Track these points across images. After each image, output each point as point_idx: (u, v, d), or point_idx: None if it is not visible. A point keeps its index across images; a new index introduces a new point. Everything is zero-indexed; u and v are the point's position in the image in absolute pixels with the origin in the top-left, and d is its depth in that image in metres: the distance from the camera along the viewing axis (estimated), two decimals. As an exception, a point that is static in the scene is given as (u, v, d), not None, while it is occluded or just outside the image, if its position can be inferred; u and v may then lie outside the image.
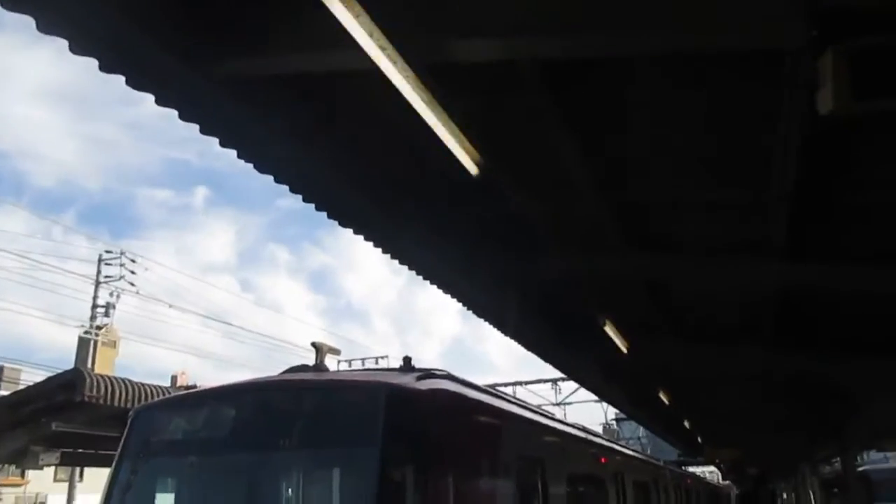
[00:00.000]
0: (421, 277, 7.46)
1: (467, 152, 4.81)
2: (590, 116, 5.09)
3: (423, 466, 5.58)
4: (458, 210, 6.35)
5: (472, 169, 4.96)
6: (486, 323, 9.49)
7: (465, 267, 7.47)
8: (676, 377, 14.20)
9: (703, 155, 5.63)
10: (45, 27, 3.80)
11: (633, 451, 22.84)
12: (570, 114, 5.00)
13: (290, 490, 6.44)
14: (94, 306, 32.01)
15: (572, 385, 31.90)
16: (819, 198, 5.77)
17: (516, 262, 7.68)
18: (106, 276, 32.51)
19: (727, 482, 69.78)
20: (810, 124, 4.23)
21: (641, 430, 42.67)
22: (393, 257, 6.91)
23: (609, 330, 9.73)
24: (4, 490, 25.92)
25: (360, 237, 6.37)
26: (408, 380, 6.31)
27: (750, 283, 8.10)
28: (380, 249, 6.75)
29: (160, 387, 13.95)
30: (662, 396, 16.18)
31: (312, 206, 5.64)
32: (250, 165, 5.01)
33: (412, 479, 5.52)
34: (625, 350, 10.59)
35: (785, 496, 42.06)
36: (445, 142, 4.59)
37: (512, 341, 10.27)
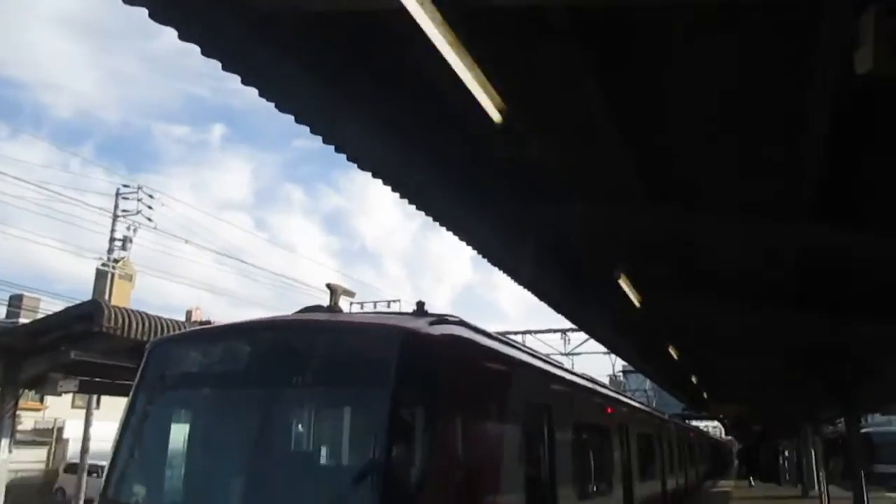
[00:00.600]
0: (437, 223, 7.43)
1: (491, 98, 4.73)
2: (619, 65, 4.98)
3: (433, 409, 5.67)
4: (478, 155, 6.28)
5: (495, 115, 4.88)
6: (499, 271, 9.50)
7: (480, 213, 7.43)
8: (688, 333, 14.23)
9: (734, 108, 5.51)
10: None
11: (638, 402, 23.14)
12: (599, 62, 4.89)
13: (302, 427, 6.59)
14: (112, 239, 32.34)
15: (581, 336, 32.25)
16: (849, 160, 5.65)
17: (533, 211, 7.63)
18: (123, 210, 32.75)
19: (729, 437, 70.73)
20: (845, 83, 4.12)
21: (648, 383, 43.16)
22: (410, 201, 6.88)
23: (623, 283, 9.71)
24: (24, 414, 26.70)
25: (378, 180, 6.34)
26: (421, 324, 6.37)
27: (772, 241, 8.02)
28: (397, 194, 6.71)
29: (175, 321, 14.18)
30: (672, 351, 16.26)
31: (332, 147, 5.60)
32: (269, 104, 4.96)
33: (422, 421, 5.62)
34: (637, 304, 10.59)
35: (787, 453, 42.55)
36: (469, 87, 4.51)
37: (523, 291, 10.30)
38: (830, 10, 3.75)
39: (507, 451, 7.00)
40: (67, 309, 14.50)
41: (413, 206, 7.06)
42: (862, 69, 3.45)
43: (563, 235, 8.39)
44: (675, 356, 16.74)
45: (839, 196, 6.33)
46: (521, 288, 10.15)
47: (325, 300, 7.62)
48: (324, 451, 6.66)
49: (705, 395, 28.16)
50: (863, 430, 22.31)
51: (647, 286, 10.12)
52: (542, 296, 10.90)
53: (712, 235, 8.19)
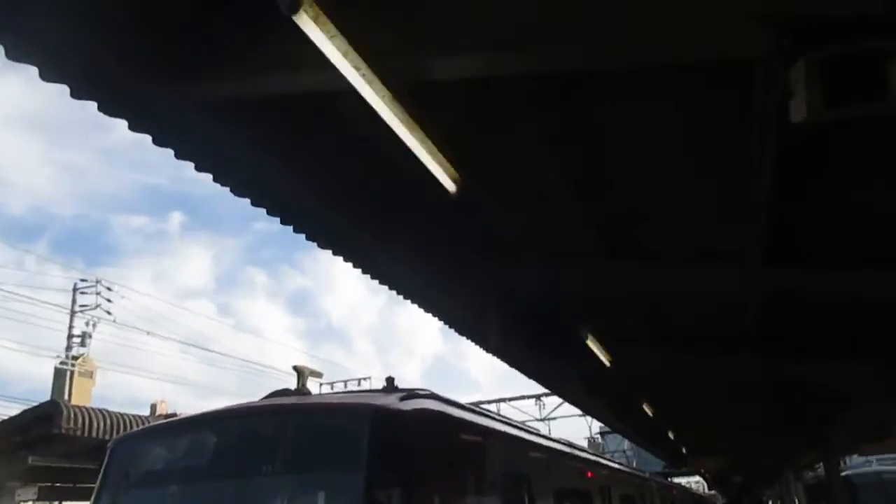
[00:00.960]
0: (401, 296, 7.43)
1: (445, 169, 4.82)
2: (568, 130, 5.13)
3: (409, 487, 5.52)
4: (436, 226, 6.33)
5: (450, 185, 4.96)
6: (468, 340, 9.47)
7: (444, 284, 7.46)
8: (660, 388, 14.25)
9: (680, 165, 5.69)
10: (15, 55, 3.76)
11: (618, 463, 22.85)
12: (548, 128, 5.03)
13: (275, 517, 6.34)
14: (70, 336, 31.55)
15: (556, 400, 32.02)
16: (794, 204, 5.84)
17: (496, 278, 7.68)
18: (81, 306, 32.09)
19: (713, 492, 70.02)
20: (783, 132, 4.29)
21: (626, 443, 42.74)
22: (372, 277, 6.88)
23: (591, 343, 9.74)
24: (-21, 528, 25.23)
25: (339, 258, 6.34)
26: (391, 400, 6.26)
27: (729, 290, 8.16)
28: (359, 270, 6.71)
29: (139, 416, 13.74)
30: (646, 408, 16.21)
31: (291, 227, 5.60)
32: (226, 189, 4.97)
33: (399, 501, 5.46)
34: (607, 363, 10.61)
35: (770, 503, 42.21)
36: (423, 160, 4.59)
37: (494, 358, 10.25)
38: (763, 69, 3.93)
39: (488, 525, 6.82)
40: (24, 412, 13.97)
41: (376, 281, 7.06)
42: (797, 118, 3.60)
43: (527, 299, 8.44)
44: (649, 413, 16.68)
45: (787, 238, 6.51)
46: (492, 357, 10.11)
47: (293, 383, 7.47)
48: (300, 540, 6.40)
49: (684, 451, 27.98)
50: (843, 474, 22.27)
51: (614, 343, 10.16)
52: (511, 362, 10.85)
53: (673, 287, 8.32)
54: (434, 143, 4.49)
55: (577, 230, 6.75)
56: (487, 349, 9.77)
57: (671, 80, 4.53)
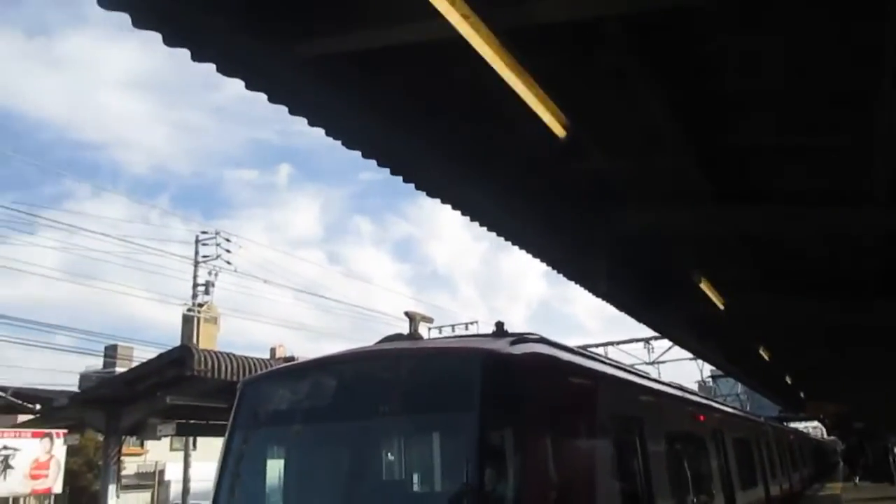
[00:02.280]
0: (509, 242, 7.45)
1: (552, 113, 4.75)
2: (676, 68, 4.92)
3: (521, 430, 5.64)
4: (544, 170, 6.28)
5: (558, 130, 4.89)
6: (575, 285, 9.42)
7: (552, 229, 7.41)
8: (777, 332, 13.74)
9: (797, 99, 5.36)
10: (139, 23, 3.98)
11: (731, 407, 22.35)
12: (655, 67, 4.84)
13: (392, 456, 6.66)
14: (195, 285, 33.59)
15: (665, 343, 31.43)
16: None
17: (604, 222, 7.55)
18: (203, 256, 34.03)
19: (832, 437, 67.43)
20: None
21: (740, 387, 41.63)
22: (481, 224, 6.93)
23: (704, 287, 9.48)
24: (126, 459, 27.83)
25: (447, 206, 6.41)
26: (502, 345, 6.37)
27: (850, 232, 7.70)
28: (467, 217, 6.77)
29: (262, 359, 14.59)
30: (762, 352, 15.70)
31: (400, 177, 5.71)
32: (334, 142, 5.11)
33: (511, 443, 5.59)
34: (721, 307, 10.31)
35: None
36: (530, 104, 4.54)
37: (601, 302, 10.17)
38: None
39: (600, 467, 6.88)
40: (160, 356, 15.11)
41: (484, 228, 7.11)
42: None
43: (637, 243, 8.27)
44: (765, 357, 16.15)
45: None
46: (598, 300, 10.03)
47: (403, 328, 7.71)
48: (416, 478, 6.70)
49: (802, 395, 27.01)
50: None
51: (728, 287, 9.85)
52: (620, 307, 10.74)
53: (789, 230, 7.93)
54: (541, 87, 4.44)
55: (688, 173, 6.52)
56: (596, 294, 9.70)
57: (786, 8, 4.25)
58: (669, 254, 8.80)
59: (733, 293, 10.08)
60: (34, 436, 27.88)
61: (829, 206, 7.08)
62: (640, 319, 12.08)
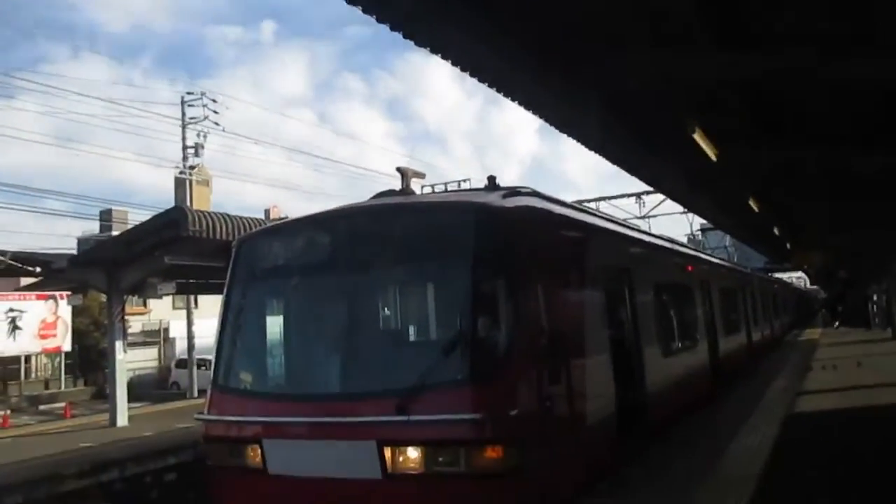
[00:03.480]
0: (501, 93, 7.25)
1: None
2: None
3: (513, 280, 5.78)
4: (536, 13, 6.00)
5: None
6: (567, 140, 9.29)
7: (544, 77, 7.19)
8: (767, 183, 13.76)
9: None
10: None
11: (718, 259, 22.89)
12: None
13: (388, 307, 6.85)
14: (184, 147, 33.12)
15: (656, 199, 31.63)
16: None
17: (599, 68, 7.30)
18: (191, 118, 33.32)
19: (815, 287, 69.64)
20: None
21: (728, 240, 42.38)
22: (472, 74, 6.71)
23: (698, 138, 9.36)
24: (131, 319, 28.68)
25: (437, 55, 6.18)
26: (494, 198, 6.40)
27: (850, 79, 7.50)
28: (458, 67, 6.54)
29: (257, 219, 14.68)
30: (752, 204, 15.79)
31: (382, 31, 5.45)
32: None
33: (503, 292, 5.74)
34: (713, 157, 10.24)
35: (875, 298, 41.65)
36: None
37: (593, 159, 10.12)
38: None
39: (589, 315, 7.12)
40: (154, 217, 15.19)
41: (474, 80, 6.89)
42: None
43: (631, 92, 8.06)
44: (755, 208, 16.27)
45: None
46: (591, 156, 9.95)
47: (395, 185, 7.69)
48: (411, 327, 6.93)
49: (788, 246, 27.51)
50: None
51: (722, 138, 9.72)
52: (614, 159, 10.67)
53: (789, 77, 7.72)
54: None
55: (687, 16, 6.25)
56: (589, 146, 9.60)
57: None
58: (664, 102, 8.61)
59: (727, 143, 9.97)
60: (39, 298, 28.62)
61: (832, 54, 6.85)
62: (632, 172, 12.05)
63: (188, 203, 29.67)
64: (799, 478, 6.78)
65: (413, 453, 5.28)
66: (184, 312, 31.12)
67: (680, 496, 6.07)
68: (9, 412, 23.83)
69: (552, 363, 5.85)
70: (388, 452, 5.30)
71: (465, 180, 7.67)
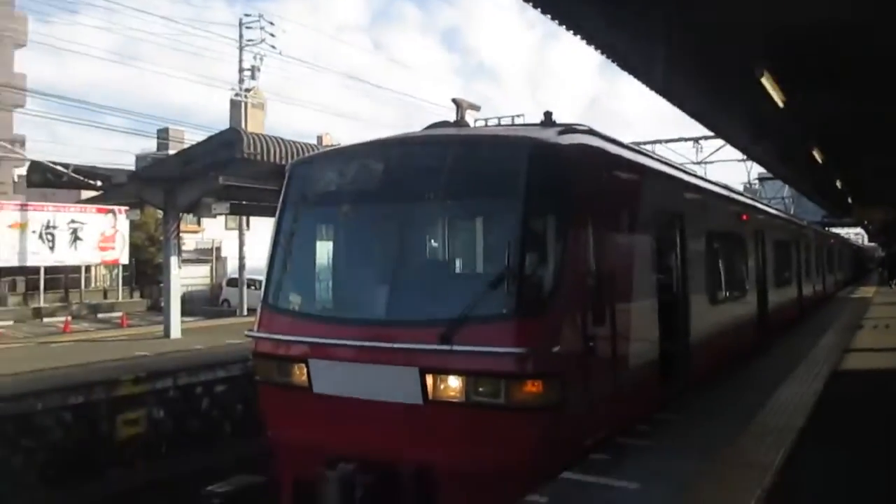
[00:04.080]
0: (566, 28, 7.05)
1: None
2: None
3: (564, 218, 5.72)
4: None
5: None
6: (625, 79, 9.05)
7: (609, 13, 6.97)
8: (834, 133, 13.23)
9: None
10: None
11: (774, 210, 22.28)
12: None
13: (437, 238, 6.88)
14: (241, 69, 33.20)
15: (714, 144, 30.64)
16: None
17: (665, 6, 7.05)
18: (248, 40, 33.26)
19: (873, 244, 67.54)
20: None
21: (786, 190, 41.15)
22: (535, 5, 6.53)
23: (766, 82, 9.01)
24: (185, 236, 29.46)
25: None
26: (550, 134, 6.29)
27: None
28: (521, -2, 6.38)
29: (310, 144, 14.74)
30: (816, 154, 15.26)
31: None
32: None
33: (553, 230, 5.71)
34: (781, 104, 9.87)
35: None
36: None
37: (652, 100, 9.85)
38: None
39: (638, 259, 7.05)
40: (210, 137, 15.37)
41: (536, 11, 6.71)
42: None
43: (699, 31, 7.76)
44: (818, 159, 15.72)
45: None
46: (649, 97, 9.71)
47: (450, 117, 7.61)
48: (460, 258, 6.97)
49: (849, 200, 26.63)
50: None
51: (792, 82, 9.33)
52: (675, 100, 10.37)
53: (860, 27, 7.29)
54: None
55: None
56: (652, 86, 9.33)
57: None
58: (732, 43, 8.27)
59: (795, 89, 9.58)
60: (98, 211, 29.58)
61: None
62: (694, 117, 11.72)
63: (243, 126, 29.93)
64: (840, 432, 6.73)
65: (454, 382, 5.39)
66: (235, 233, 31.74)
67: (719, 442, 6.09)
68: (70, 318, 24.94)
69: (598, 304, 5.84)
70: (430, 380, 5.41)
71: (518, 115, 7.55)
